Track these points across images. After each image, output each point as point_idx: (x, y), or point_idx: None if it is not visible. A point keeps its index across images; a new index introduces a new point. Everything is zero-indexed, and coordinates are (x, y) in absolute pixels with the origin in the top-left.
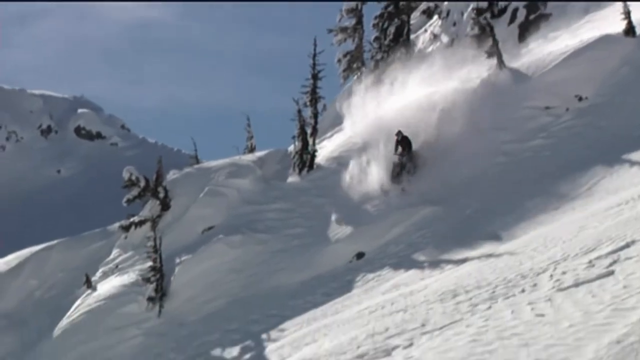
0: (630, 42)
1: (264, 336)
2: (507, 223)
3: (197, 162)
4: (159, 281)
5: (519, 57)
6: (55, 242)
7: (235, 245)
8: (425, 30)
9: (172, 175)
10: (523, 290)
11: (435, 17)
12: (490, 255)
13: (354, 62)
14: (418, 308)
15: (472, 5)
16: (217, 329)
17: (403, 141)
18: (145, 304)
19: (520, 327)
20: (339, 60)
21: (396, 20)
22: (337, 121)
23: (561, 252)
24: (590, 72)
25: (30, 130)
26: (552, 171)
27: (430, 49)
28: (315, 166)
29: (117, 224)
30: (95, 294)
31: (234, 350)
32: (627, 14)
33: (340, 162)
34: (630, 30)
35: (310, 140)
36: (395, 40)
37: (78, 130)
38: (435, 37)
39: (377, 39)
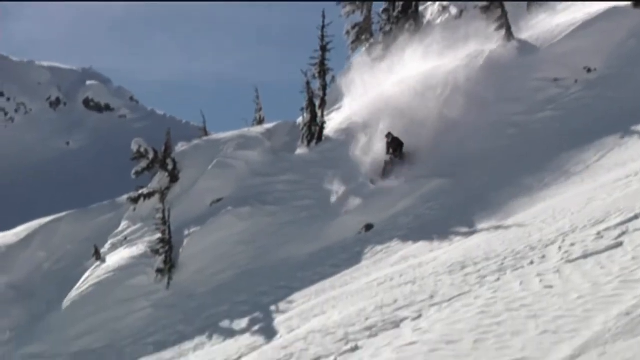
0: (638, 14)
1: (272, 308)
2: (516, 195)
3: (206, 134)
4: (167, 253)
5: (527, 29)
6: (64, 214)
7: (244, 217)
8: (434, 2)
9: (180, 147)
10: (532, 262)
11: None
12: (498, 227)
13: (363, 34)
14: (427, 280)
15: None
16: (226, 301)
17: (393, 142)
18: (154, 275)
19: (528, 298)
20: (348, 32)
21: None
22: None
23: (570, 224)
24: (599, 43)
25: (39, 102)
26: (561, 143)
27: (439, 21)
28: (323, 138)
29: (125, 196)
30: (104, 265)
31: (243, 322)
32: None
33: (349, 133)
34: (639, 1)
35: (319, 112)
36: (404, 11)
37: (87, 102)
38: (444, 8)
39: (385, 10)
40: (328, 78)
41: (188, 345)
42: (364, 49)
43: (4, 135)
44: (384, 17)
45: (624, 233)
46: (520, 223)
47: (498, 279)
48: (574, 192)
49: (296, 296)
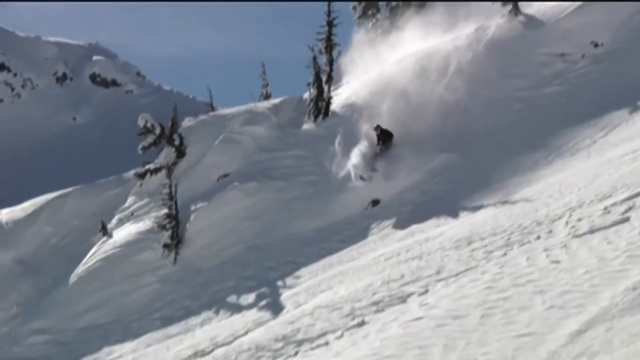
0: None
1: (279, 283)
2: (523, 170)
3: (213, 109)
4: (174, 228)
5: (534, 4)
6: (70, 189)
7: (251, 192)
8: None
9: (187, 122)
10: (538, 237)
11: None
12: (505, 202)
13: (369, 9)
14: (433, 255)
15: None
16: (233, 276)
17: (382, 134)
18: (160, 251)
19: (535, 273)
20: (354, 8)
21: None
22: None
23: (576, 199)
24: (605, 18)
25: (46, 78)
26: (568, 118)
27: None
28: (330, 113)
29: (132, 172)
30: (110, 241)
31: (250, 297)
32: None
33: (355, 109)
34: None
35: (326, 88)
36: None
37: (93, 78)
38: None
39: None
40: (335, 53)
41: (195, 320)
42: (370, 24)
43: (10, 111)
44: None
45: (630, 208)
46: (527, 198)
47: (505, 254)
48: (581, 167)
49: (303, 271)
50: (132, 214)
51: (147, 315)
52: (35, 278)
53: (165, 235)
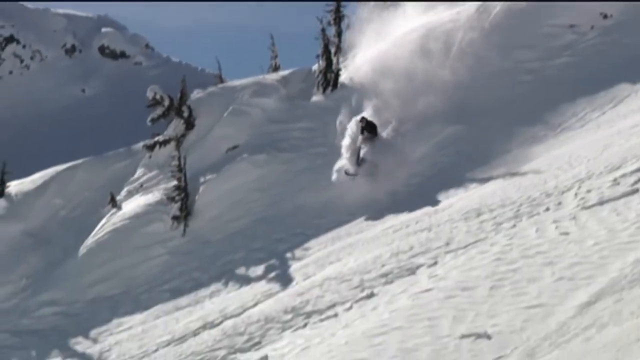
0: None
1: (288, 255)
2: (531, 142)
3: (221, 81)
4: (183, 200)
5: None
6: (79, 161)
7: (260, 164)
8: None
9: (196, 94)
10: (547, 209)
11: None
12: (514, 174)
13: None
14: (442, 227)
15: None
16: (242, 248)
17: (367, 126)
18: (170, 222)
19: (544, 245)
20: None
21: None
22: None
23: (586, 170)
24: None
25: (55, 50)
26: (577, 89)
27: None
28: (339, 85)
29: (141, 143)
30: (120, 212)
31: (259, 269)
32: None
33: (364, 82)
34: None
35: (334, 59)
36: None
37: (102, 49)
38: None
39: None
40: (343, 25)
41: (204, 292)
42: None
43: (19, 83)
44: None
45: None
46: (536, 170)
47: (514, 226)
48: (590, 139)
49: (312, 243)
50: (141, 185)
51: (156, 287)
52: (45, 250)
53: (174, 207)
